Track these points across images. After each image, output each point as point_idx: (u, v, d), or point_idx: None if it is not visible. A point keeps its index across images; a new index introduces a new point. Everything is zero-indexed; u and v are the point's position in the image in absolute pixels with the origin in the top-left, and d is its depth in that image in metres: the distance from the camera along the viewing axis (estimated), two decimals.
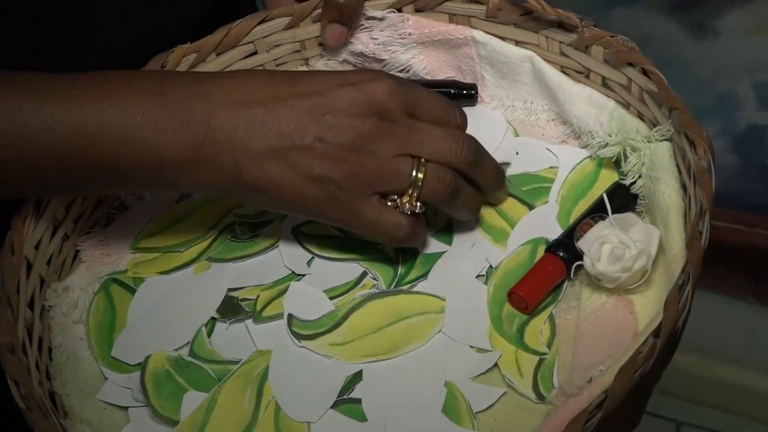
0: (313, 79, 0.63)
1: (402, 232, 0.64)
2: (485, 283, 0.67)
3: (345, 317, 0.66)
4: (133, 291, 0.72)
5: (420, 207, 0.64)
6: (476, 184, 0.67)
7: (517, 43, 0.76)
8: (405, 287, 0.68)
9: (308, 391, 0.63)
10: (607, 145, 0.70)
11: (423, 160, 0.63)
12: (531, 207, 0.71)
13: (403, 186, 0.63)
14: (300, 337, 0.66)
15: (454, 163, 0.64)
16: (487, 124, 0.78)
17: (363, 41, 0.80)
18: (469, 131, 0.68)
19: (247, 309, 0.69)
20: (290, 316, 0.67)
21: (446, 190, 0.64)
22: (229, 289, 0.70)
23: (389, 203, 0.64)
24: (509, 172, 0.74)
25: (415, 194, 0.63)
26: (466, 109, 0.74)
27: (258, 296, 0.69)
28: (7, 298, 0.64)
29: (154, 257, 0.74)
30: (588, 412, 0.49)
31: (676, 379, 1.52)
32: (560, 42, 0.74)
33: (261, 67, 0.81)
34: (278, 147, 0.61)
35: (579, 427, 0.49)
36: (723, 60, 1.97)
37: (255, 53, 0.81)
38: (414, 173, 0.63)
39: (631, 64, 0.69)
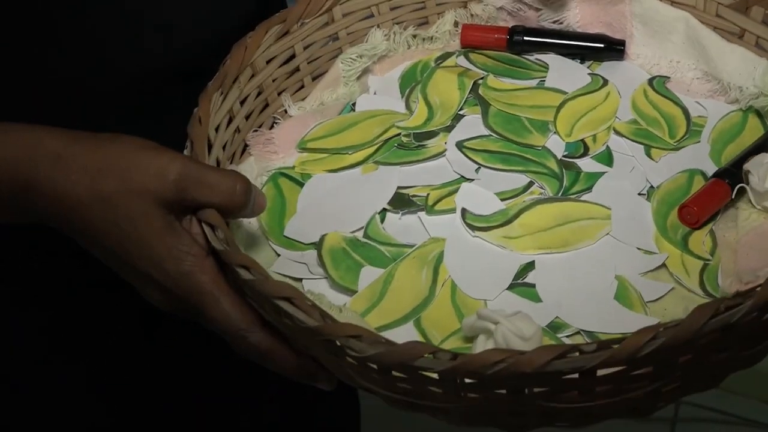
0: None
1: None
2: (647, 200, 0.73)
3: (516, 215, 0.72)
4: (301, 185, 0.77)
5: None
6: None
7: (673, 3, 0.83)
8: (572, 197, 0.73)
9: (484, 275, 0.68)
10: (760, 96, 0.77)
11: None
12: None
13: None
14: (474, 228, 0.71)
15: None
16: (630, 78, 0.84)
17: None
18: (612, 83, 0.80)
19: (418, 203, 0.74)
20: (464, 209, 0.72)
21: None
22: (399, 187, 0.75)
23: None
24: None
25: None
26: (612, 63, 0.82)
27: (428, 194, 0.74)
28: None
29: (322, 157, 0.79)
30: None
31: None
32: (719, 3, 0.80)
33: None
34: None
35: None
36: None
37: None
38: None
39: None
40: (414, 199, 0.75)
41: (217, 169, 0.68)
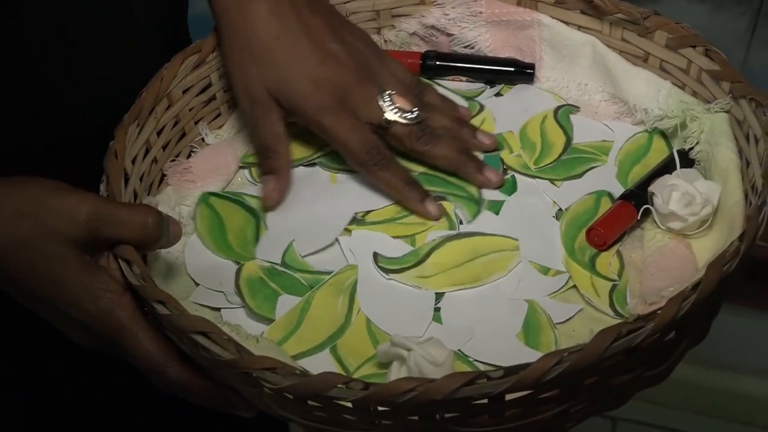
0: None
1: None
2: (557, 219, 0.75)
3: (428, 254, 0.73)
4: (234, 201, 0.80)
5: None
6: None
7: (580, 27, 0.85)
8: (479, 232, 0.75)
9: (402, 313, 0.70)
10: (664, 118, 0.79)
11: None
12: (592, 166, 0.80)
13: None
14: (388, 271, 0.72)
15: None
16: (539, 102, 0.86)
17: (435, 15, 0.89)
18: (521, 108, 0.83)
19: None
20: (375, 253, 0.73)
21: None
22: None
23: None
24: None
25: None
26: (522, 87, 0.85)
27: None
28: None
29: None
30: (682, 298, 0.56)
31: None
32: (624, 28, 0.83)
33: None
34: None
35: (674, 310, 0.56)
36: None
37: None
38: None
39: (693, 46, 0.78)
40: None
41: (127, 205, 0.69)
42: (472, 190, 0.78)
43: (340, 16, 0.82)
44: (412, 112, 0.78)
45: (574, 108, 0.85)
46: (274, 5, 0.78)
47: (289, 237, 0.75)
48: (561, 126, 0.83)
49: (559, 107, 0.85)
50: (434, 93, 0.82)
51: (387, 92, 0.78)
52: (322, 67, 0.77)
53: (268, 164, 0.79)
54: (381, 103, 0.77)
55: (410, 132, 0.78)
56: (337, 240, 0.75)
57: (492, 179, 0.78)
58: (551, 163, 0.80)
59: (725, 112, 0.76)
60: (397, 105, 0.77)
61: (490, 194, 0.78)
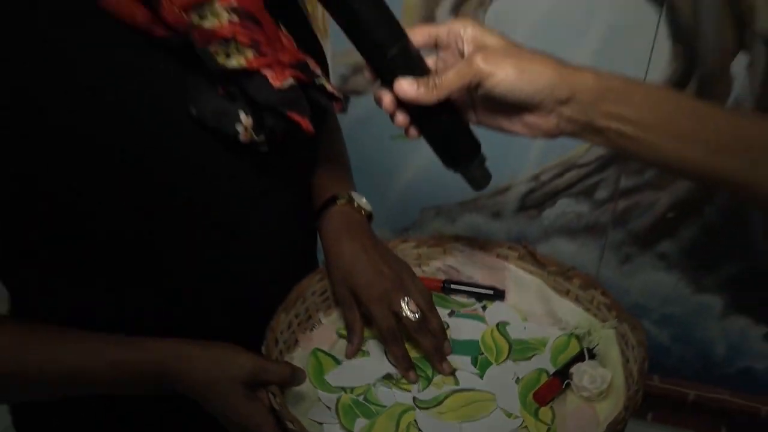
0: None
1: None
2: (516, 383, 0.75)
3: (445, 398, 0.72)
4: (329, 356, 0.78)
5: None
6: None
7: (531, 272, 0.87)
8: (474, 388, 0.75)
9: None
10: (578, 328, 0.80)
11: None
12: (536, 353, 0.79)
13: None
14: (420, 408, 0.72)
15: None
16: (507, 316, 0.86)
17: (451, 260, 0.90)
18: (495, 318, 0.81)
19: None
20: (414, 397, 0.73)
21: None
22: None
23: None
24: (517, 337, 0.82)
25: None
26: (497, 303, 0.85)
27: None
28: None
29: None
30: None
31: None
32: (555, 275, 0.84)
33: None
34: None
35: None
36: None
37: None
38: None
39: (594, 288, 0.80)
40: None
41: (275, 362, 0.67)
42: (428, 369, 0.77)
43: (392, 254, 0.80)
44: (417, 314, 0.75)
45: (506, 323, 0.83)
46: (352, 246, 0.77)
47: (364, 381, 0.74)
48: (503, 335, 0.82)
49: (497, 324, 0.82)
50: (435, 312, 0.78)
51: (407, 299, 0.75)
52: (376, 277, 0.75)
53: (351, 338, 0.79)
54: (403, 304, 0.75)
55: (413, 324, 0.74)
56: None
57: (445, 369, 0.75)
58: (505, 359, 0.78)
59: (613, 328, 0.77)
60: (411, 308, 0.76)
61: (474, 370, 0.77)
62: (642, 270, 1.52)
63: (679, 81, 1.26)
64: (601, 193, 1.45)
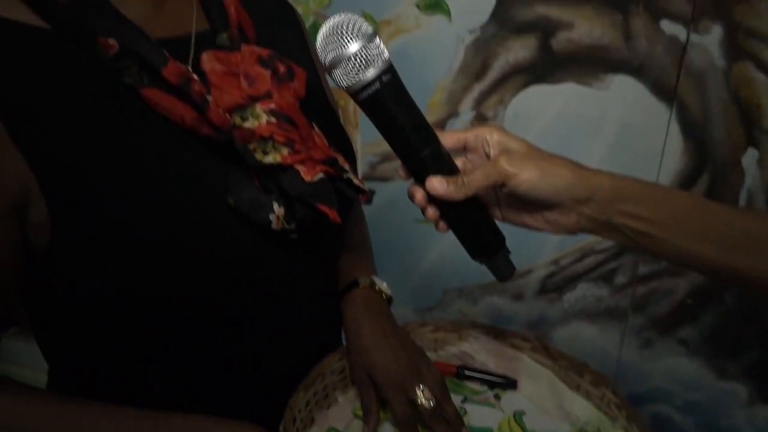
0: None
1: None
2: None
3: None
4: None
5: None
6: None
7: (540, 363, 0.87)
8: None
9: None
10: (588, 424, 0.80)
11: None
12: None
13: None
14: None
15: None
16: (522, 406, 0.86)
17: (466, 347, 0.92)
18: (510, 407, 0.80)
19: None
20: None
21: None
22: None
23: None
24: (532, 428, 0.82)
25: None
26: (509, 392, 0.85)
27: None
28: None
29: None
30: None
31: None
32: (567, 369, 0.85)
33: None
34: None
35: None
36: None
37: None
38: None
39: (606, 386, 0.81)
40: None
41: None
42: None
43: (410, 339, 0.80)
44: (432, 401, 0.75)
45: (522, 413, 0.82)
46: (372, 329, 0.78)
47: None
48: (518, 424, 0.81)
49: (515, 413, 0.82)
50: (450, 401, 0.78)
51: (422, 386, 0.76)
52: (394, 363, 0.76)
53: (366, 418, 0.80)
54: (418, 391, 0.75)
55: (427, 411, 0.74)
56: None
57: None
58: None
59: (623, 429, 0.77)
60: (426, 396, 0.75)
61: None
62: (664, 355, 1.51)
63: (691, 174, 1.28)
64: (620, 279, 1.46)
